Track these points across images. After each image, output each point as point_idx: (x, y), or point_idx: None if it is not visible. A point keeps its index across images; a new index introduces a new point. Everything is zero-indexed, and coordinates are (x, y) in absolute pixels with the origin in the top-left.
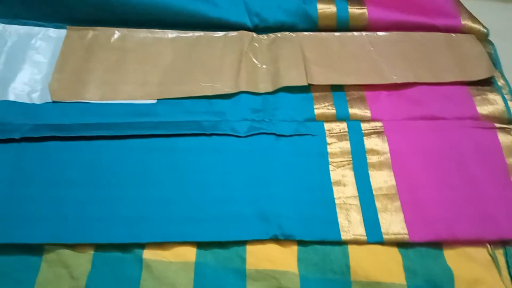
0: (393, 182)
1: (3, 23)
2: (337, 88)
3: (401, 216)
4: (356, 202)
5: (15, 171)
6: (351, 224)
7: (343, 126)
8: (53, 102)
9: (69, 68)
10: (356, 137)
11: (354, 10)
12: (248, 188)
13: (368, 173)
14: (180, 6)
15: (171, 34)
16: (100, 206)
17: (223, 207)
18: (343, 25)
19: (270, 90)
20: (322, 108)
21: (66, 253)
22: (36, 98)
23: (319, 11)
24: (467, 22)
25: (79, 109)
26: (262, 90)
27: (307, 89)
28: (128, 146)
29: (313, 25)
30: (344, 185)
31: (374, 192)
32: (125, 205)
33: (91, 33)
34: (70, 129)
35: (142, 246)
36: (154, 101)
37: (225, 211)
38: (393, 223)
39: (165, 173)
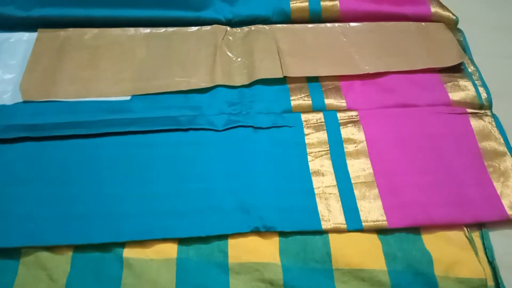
0: (371, 170)
1: None
2: (312, 79)
3: (379, 203)
4: (335, 191)
5: None
6: (331, 213)
7: (319, 116)
8: (24, 102)
9: (41, 68)
10: (332, 127)
11: (326, 2)
12: (228, 180)
13: (345, 162)
14: (152, 6)
15: (144, 30)
16: (77, 205)
17: (204, 200)
18: (315, 17)
19: (246, 82)
20: (299, 100)
21: (44, 255)
22: (7, 99)
23: (291, 5)
24: (436, 10)
25: (51, 108)
26: (238, 83)
27: (283, 81)
28: (104, 143)
29: (286, 18)
30: (323, 174)
31: (352, 181)
32: (103, 203)
33: (62, 34)
34: (43, 129)
35: (122, 244)
36: (128, 98)
37: (206, 204)
38: (372, 211)
39: (143, 168)
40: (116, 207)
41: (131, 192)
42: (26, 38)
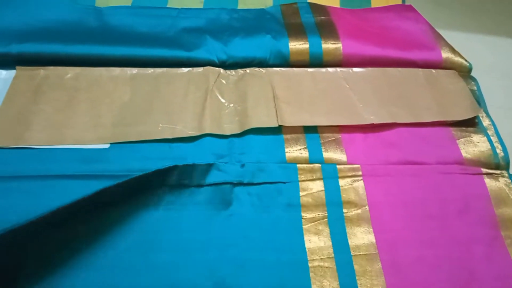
0: (373, 240)
1: None
2: (310, 130)
3: (382, 281)
4: (332, 264)
5: None
6: None
7: (317, 171)
8: None
9: (14, 111)
10: (331, 185)
11: (328, 45)
12: (204, 252)
13: (345, 229)
14: (140, 44)
15: (130, 71)
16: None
17: (173, 277)
18: (316, 60)
19: (237, 132)
20: (294, 152)
21: None
22: None
23: (290, 46)
24: (448, 56)
25: (20, 155)
26: (228, 132)
27: (277, 130)
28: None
29: (285, 61)
30: (319, 244)
31: (352, 252)
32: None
33: (42, 72)
34: (5, 179)
35: None
36: (107, 146)
37: (176, 282)
38: None
39: (107, 234)
40: (74, 279)
41: (94, 263)
42: (3, 76)
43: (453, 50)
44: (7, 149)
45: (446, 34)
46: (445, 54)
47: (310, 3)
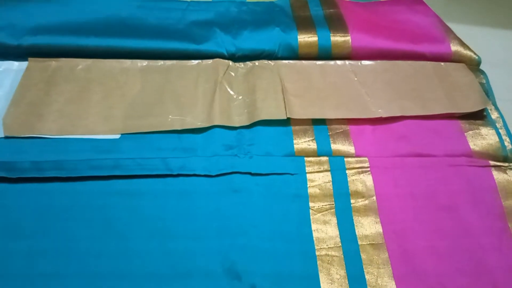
0: (380, 230)
1: None
2: (319, 122)
3: (389, 270)
4: (339, 253)
5: None
6: (333, 283)
7: (325, 163)
8: (5, 137)
9: (27, 101)
10: (339, 176)
11: (336, 38)
12: (217, 239)
13: (352, 219)
14: (151, 36)
15: (141, 63)
16: (51, 261)
17: (188, 262)
18: (325, 53)
19: (246, 123)
20: (303, 143)
21: None
22: None
23: (299, 39)
24: (457, 49)
25: (33, 145)
26: (237, 123)
27: (286, 122)
28: (85, 190)
29: (293, 53)
30: (326, 233)
31: (359, 241)
32: (79, 260)
33: (54, 64)
34: (20, 169)
35: None
36: (118, 136)
37: (190, 266)
38: (381, 278)
39: (124, 221)
40: (89, 266)
41: (107, 249)
42: (15, 68)
43: (462, 43)
44: (21, 139)
45: (455, 27)
46: (454, 47)
47: None
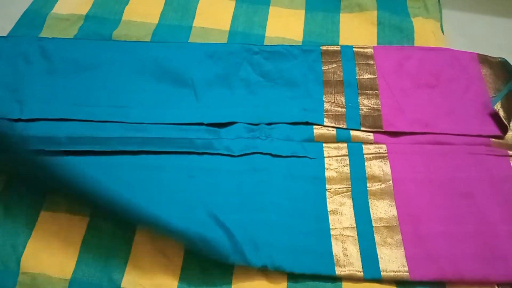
0: (395, 213)
1: None
2: None
3: (401, 251)
4: (354, 233)
5: None
6: (346, 258)
7: (343, 148)
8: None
9: None
10: (356, 161)
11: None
12: (239, 212)
13: (368, 202)
14: None
15: None
16: None
17: (211, 230)
18: None
19: None
20: (322, 128)
21: (41, 277)
22: None
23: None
24: None
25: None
26: None
27: None
28: (116, 163)
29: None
30: (341, 214)
31: (373, 223)
32: None
33: None
34: (58, 143)
35: (122, 272)
36: None
37: (212, 234)
38: (393, 259)
39: (153, 193)
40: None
41: (136, 217)
42: None
43: None
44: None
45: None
46: None
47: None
